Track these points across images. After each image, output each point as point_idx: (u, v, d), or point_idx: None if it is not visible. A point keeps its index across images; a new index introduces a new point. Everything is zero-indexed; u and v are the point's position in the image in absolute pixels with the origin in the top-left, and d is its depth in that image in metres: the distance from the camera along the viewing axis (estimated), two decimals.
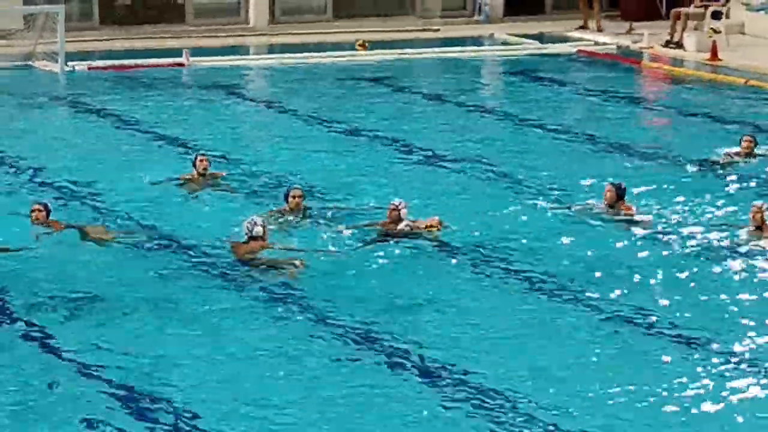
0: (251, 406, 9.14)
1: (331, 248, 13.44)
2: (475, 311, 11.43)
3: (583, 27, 26.31)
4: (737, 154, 17.07)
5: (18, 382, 9.38)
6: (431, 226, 13.93)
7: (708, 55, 23.35)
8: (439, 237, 13.85)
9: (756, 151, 17.27)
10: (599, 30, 26.06)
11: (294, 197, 14.36)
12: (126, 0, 27.64)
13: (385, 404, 9.21)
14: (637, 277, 11.96)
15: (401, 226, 13.89)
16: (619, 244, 13.22)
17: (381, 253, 13.40)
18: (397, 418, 8.99)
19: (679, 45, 24.35)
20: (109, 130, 19.02)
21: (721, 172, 16.64)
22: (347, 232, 14.44)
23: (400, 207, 13.87)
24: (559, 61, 24.80)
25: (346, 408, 9.13)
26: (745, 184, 15.73)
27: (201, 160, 15.59)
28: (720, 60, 23.12)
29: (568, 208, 15.01)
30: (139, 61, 23.45)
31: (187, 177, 15.65)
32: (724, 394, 9.04)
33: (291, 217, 14.10)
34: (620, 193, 14.55)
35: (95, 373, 9.53)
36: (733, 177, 16.13)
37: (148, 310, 11.61)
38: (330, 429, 8.85)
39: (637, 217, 14.52)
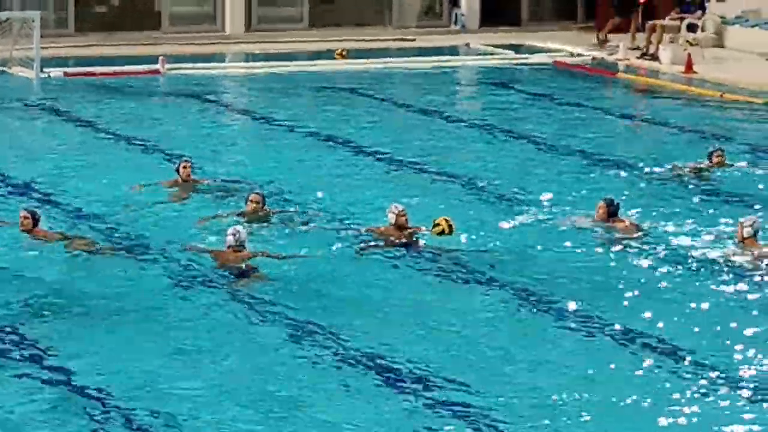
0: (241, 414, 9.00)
1: (318, 253, 13.03)
2: (470, 325, 10.95)
3: (648, 54, 24.90)
4: (708, 167, 17.03)
5: None
6: (442, 230, 13.44)
7: (683, 68, 23.39)
8: (444, 234, 13.49)
9: (727, 162, 17.33)
10: (651, 55, 24.66)
11: (252, 202, 14.29)
12: (102, 7, 27.75)
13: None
14: (631, 292, 11.51)
15: (408, 231, 13.71)
16: (611, 258, 12.84)
17: (386, 259, 13.12)
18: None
19: (655, 57, 24.36)
20: (86, 137, 19.00)
21: (694, 183, 16.40)
22: (355, 231, 14.26)
23: (404, 212, 13.89)
24: (535, 72, 24.76)
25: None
26: (717, 197, 15.43)
27: (185, 167, 15.63)
28: (695, 72, 23.15)
29: (557, 221, 14.68)
30: (115, 69, 23.37)
31: (171, 182, 15.74)
32: (715, 410, 8.77)
33: (249, 222, 13.92)
34: (612, 210, 14.46)
35: (74, 384, 9.20)
36: (707, 188, 15.87)
37: (130, 320, 11.45)
38: None
39: (633, 232, 14.14)
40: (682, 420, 8.71)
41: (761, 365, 9.81)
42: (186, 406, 9.20)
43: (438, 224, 13.47)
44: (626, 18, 25.97)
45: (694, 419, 8.70)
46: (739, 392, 9.23)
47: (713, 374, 9.66)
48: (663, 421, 8.70)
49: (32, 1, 26.13)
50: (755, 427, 8.48)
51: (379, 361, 10.38)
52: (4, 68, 23.36)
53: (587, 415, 8.75)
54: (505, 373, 9.76)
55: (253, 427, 8.85)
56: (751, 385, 9.32)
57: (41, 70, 22.53)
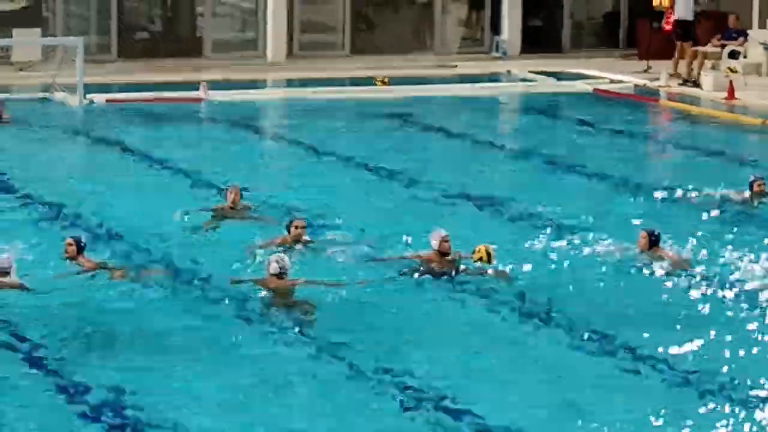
0: None
1: (368, 279, 13.18)
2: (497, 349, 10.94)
3: (690, 81, 24.83)
4: (751, 196, 16.85)
5: (29, 419, 9.09)
6: (480, 257, 13.52)
7: (725, 95, 23.20)
8: (490, 266, 13.49)
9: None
10: (693, 82, 24.64)
11: (296, 227, 14.28)
12: (144, 33, 27.81)
13: None
14: (677, 323, 11.25)
15: (449, 258, 13.64)
16: (653, 288, 12.59)
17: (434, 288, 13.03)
18: None
19: (696, 84, 24.21)
20: (128, 163, 19.09)
21: (736, 211, 16.22)
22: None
23: (448, 239, 13.83)
24: (577, 98, 24.65)
25: None
26: (760, 227, 15.42)
27: (232, 192, 15.52)
28: (737, 99, 22.97)
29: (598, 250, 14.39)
30: (158, 95, 23.36)
31: (219, 207, 15.67)
32: None
33: (291, 247, 14.03)
34: (654, 240, 14.31)
35: (113, 414, 9.06)
36: (749, 217, 15.73)
37: (174, 350, 11.21)
38: None
39: (675, 260, 14.12)
40: None
41: None
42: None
43: (478, 251, 13.36)
44: (687, 43, 25.75)
45: None
46: None
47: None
48: None
49: (75, 27, 26.12)
50: None
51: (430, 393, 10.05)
52: (48, 94, 23.31)
53: None
54: (542, 405, 9.36)
55: None
56: None
57: (84, 97, 22.66)
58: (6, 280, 12.75)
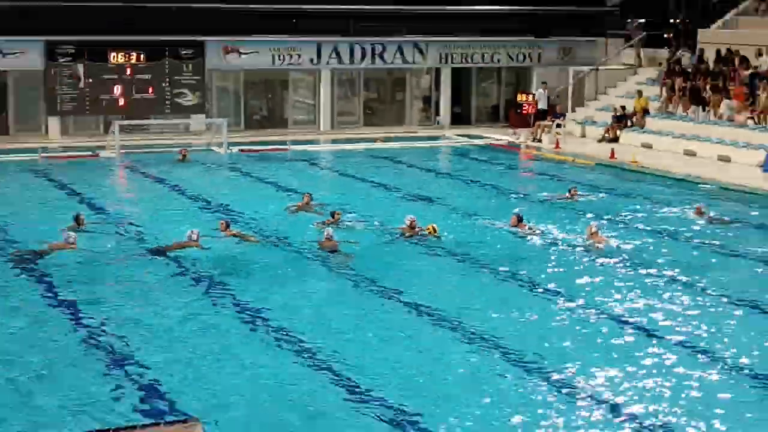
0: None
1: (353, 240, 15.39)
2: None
3: (536, 139, 27.77)
4: (568, 198, 19.62)
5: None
6: (429, 230, 15.97)
7: (554, 146, 26.38)
8: (437, 236, 15.84)
9: (579, 193, 19.53)
10: (538, 140, 28.06)
11: (338, 213, 16.81)
12: (257, 116, 30.41)
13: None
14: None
15: (416, 229, 15.98)
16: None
17: (404, 247, 15.51)
18: None
19: (539, 140, 27.41)
20: (251, 184, 21.77)
21: (557, 207, 18.74)
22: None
23: (415, 220, 15.71)
24: (479, 148, 27.60)
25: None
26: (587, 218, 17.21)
27: (306, 195, 17.96)
28: (560, 148, 26.16)
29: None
30: (266, 147, 26.25)
31: (298, 204, 17.94)
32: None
33: (330, 226, 15.64)
34: (520, 218, 16.54)
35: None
36: (569, 213, 17.95)
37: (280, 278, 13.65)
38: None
39: (525, 230, 16.29)
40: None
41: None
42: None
43: (428, 227, 15.85)
44: (540, 121, 27.73)
45: None
46: None
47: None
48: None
49: (222, 112, 29.50)
50: None
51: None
52: (209, 147, 26.58)
53: None
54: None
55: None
56: None
57: (227, 148, 25.54)
58: (192, 243, 14.77)
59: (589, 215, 17.68)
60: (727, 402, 9.03)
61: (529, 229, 16.08)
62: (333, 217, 16.50)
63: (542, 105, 28.81)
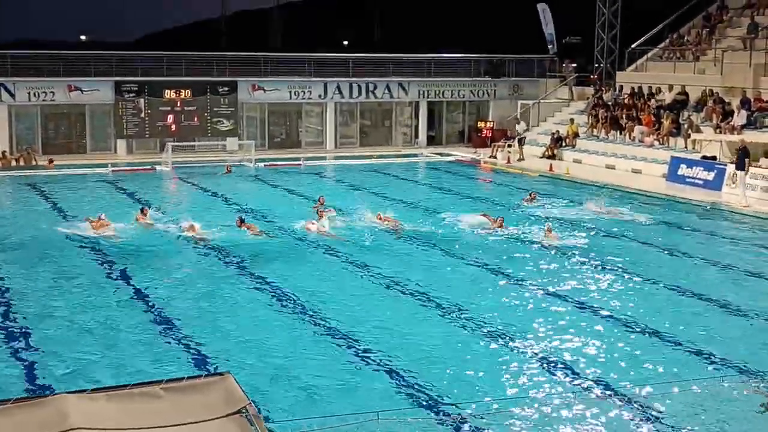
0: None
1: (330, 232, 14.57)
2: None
3: (493, 156, 26.79)
4: (527, 201, 19.05)
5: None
6: (394, 225, 15.34)
7: (506, 161, 25.96)
8: (401, 231, 15.20)
9: (537, 197, 18.87)
10: (494, 156, 26.94)
11: (321, 203, 16.43)
12: (277, 138, 29.88)
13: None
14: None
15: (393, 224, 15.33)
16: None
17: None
18: None
19: (495, 157, 26.79)
20: (274, 191, 21.42)
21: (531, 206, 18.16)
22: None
23: (386, 216, 15.45)
24: (448, 163, 26.85)
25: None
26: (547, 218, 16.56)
27: (320, 197, 17.93)
28: (511, 163, 25.80)
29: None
30: (285, 162, 25.77)
31: (315, 206, 17.57)
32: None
33: (324, 220, 15.25)
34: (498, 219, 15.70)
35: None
36: (538, 213, 17.46)
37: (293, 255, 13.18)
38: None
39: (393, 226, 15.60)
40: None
41: None
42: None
43: (394, 221, 15.37)
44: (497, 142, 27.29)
45: None
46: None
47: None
48: None
49: (251, 135, 28.91)
50: None
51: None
52: (242, 163, 25.35)
53: None
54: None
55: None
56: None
57: (255, 163, 25.06)
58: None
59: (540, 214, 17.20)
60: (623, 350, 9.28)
61: (499, 226, 15.77)
62: (319, 201, 16.64)
63: (520, 129, 28.64)
